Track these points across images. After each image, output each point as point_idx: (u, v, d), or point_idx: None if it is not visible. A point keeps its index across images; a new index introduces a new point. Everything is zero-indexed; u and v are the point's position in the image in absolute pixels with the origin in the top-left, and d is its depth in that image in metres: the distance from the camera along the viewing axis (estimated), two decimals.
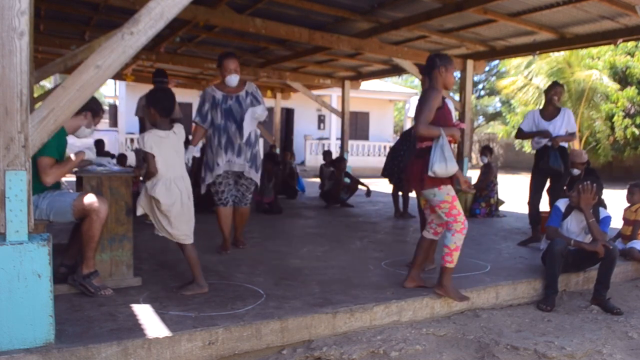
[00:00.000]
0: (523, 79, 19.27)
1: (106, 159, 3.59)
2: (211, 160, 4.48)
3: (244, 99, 4.52)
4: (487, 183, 7.65)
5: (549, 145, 5.18)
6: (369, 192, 8.32)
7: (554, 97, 5.33)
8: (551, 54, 17.77)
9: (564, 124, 5.21)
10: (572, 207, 4.12)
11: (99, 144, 9.43)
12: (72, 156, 3.26)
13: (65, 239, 3.90)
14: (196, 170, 7.23)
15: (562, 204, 4.20)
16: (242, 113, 4.45)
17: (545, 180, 5.39)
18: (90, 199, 3.09)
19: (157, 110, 3.27)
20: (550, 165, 5.12)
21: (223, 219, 4.60)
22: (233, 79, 4.49)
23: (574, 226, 4.10)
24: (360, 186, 8.57)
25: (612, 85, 16.88)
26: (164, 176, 3.22)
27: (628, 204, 5.06)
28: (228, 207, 4.59)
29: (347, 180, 8.81)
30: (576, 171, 5.29)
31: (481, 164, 7.90)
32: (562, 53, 17.60)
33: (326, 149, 16.42)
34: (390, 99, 22.98)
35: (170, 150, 3.26)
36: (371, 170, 17.67)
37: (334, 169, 8.70)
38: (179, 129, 3.35)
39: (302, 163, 18.90)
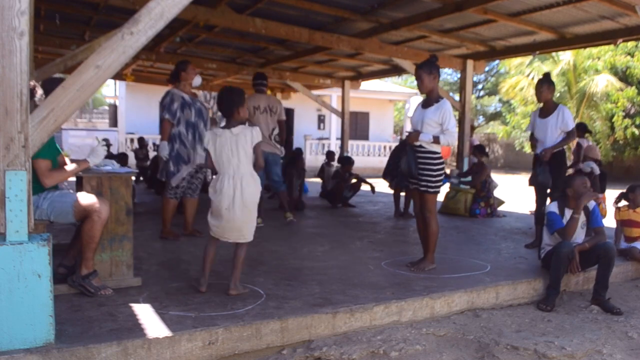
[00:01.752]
0: (525, 79, 19.26)
1: (111, 161, 3.58)
2: (185, 155, 4.97)
3: (201, 102, 5.24)
4: (482, 183, 7.61)
5: (539, 154, 5.03)
6: (373, 190, 8.34)
7: (542, 93, 5.09)
8: (554, 55, 17.82)
9: (558, 122, 4.98)
10: (563, 207, 4.13)
11: (123, 157, 9.37)
12: (72, 166, 3.23)
13: (65, 239, 3.90)
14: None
15: (553, 207, 4.19)
16: (206, 114, 5.17)
17: (544, 190, 5.15)
18: (91, 200, 3.09)
19: (218, 109, 3.44)
20: (540, 181, 4.97)
21: (172, 211, 5.14)
22: (197, 80, 5.15)
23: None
24: (363, 185, 8.57)
25: (618, 85, 16.87)
26: (219, 172, 3.33)
27: (626, 204, 5.05)
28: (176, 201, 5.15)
29: (353, 180, 8.84)
30: (587, 166, 5.31)
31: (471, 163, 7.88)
32: (567, 56, 17.62)
33: (326, 149, 16.41)
34: (390, 99, 22.97)
35: (223, 148, 3.29)
36: (371, 170, 17.67)
37: (341, 168, 8.69)
38: (240, 130, 3.30)
39: None
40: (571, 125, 4.98)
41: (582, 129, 7.56)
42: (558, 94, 18.48)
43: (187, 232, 5.31)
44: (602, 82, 16.93)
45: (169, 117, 4.91)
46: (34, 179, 2.65)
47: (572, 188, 4.08)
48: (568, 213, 4.09)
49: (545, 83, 5.12)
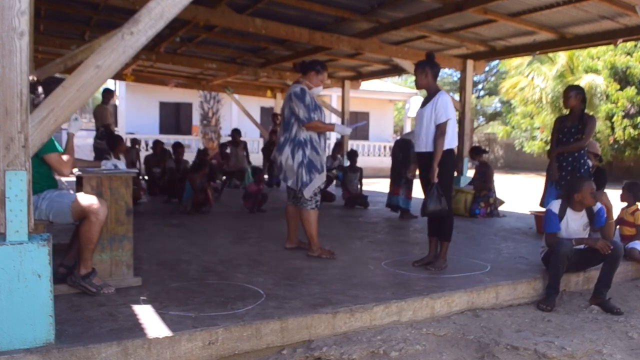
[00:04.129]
0: (525, 79, 19.26)
1: (115, 161, 3.60)
2: (319, 162, 4.42)
3: None
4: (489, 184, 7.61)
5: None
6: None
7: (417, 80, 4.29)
8: (551, 55, 17.81)
9: (432, 113, 4.05)
10: (565, 206, 4.08)
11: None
12: (69, 149, 3.30)
13: (65, 239, 3.90)
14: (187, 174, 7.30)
15: (555, 206, 4.11)
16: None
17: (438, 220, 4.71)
18: (88, 200, 3.08)
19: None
20: (430, 211, 4.11)
21: (317, 222, 4.53)
22: (320, 89, 4.58)
23: (574, 225, 4.08)
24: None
25: (611, 85, 16.89)
26: None
27: (625, 204, 5.06)
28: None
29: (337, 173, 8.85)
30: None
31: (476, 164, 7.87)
32: (563, 56, 17.63)
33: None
34: (390, 99, 23.00)
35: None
36: (372, 170, 17.67)
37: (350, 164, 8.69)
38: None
39: None
40: (444, 116, 3.96)
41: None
42: (557, 94, 18.50)
43: (294, 245, 4.83)
44: (597, 82, 16.93)
45: (315, 116, 4.35)
46: (34, 178, 2.65)
47: (580, 193, 3.97)
48: (570, 214, 4.07)
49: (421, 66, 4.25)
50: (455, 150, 4.28)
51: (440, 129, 4.00)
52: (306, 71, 4.51)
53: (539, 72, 18.72)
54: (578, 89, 5.20)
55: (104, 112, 9.13)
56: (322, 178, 4.45)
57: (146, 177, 9.75)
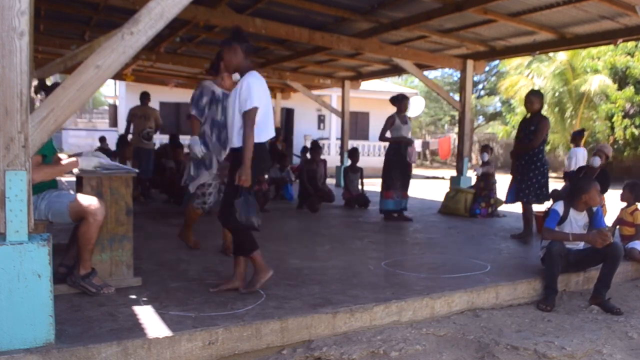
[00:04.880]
0: (525, 79, 19.27)
1: (100, 154, 3.48)
2: (208, 158, 4.32)
3: None
4: (486, 181, 7.62)
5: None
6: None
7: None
8: (551, 55, 17.81)
9: (238, 98, 3.30)
10: (569, 207, 4.09)
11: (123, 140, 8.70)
12: (66, 160, 3.23)
13: (65, 239, 3.89)
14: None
15: (559, 206, 4.13)
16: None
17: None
18: (87, 201, 3.07)
19: None
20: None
21: (194, 221, 4.58)
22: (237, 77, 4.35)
23: (575, 227, 4.08)
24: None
25: (612, 86, 16.91)
26: None
27: (624, 204, 5.06)
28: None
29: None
30: (595, 161, 5.57)
31: (481, 162, 7.87)
32: (564, 56, 17.64)
33: (326, 149, 16.34)
34: None
35: None
36: (371, 170, 17.61)
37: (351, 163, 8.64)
38: None
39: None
40: (248, 102, 3.22)
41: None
42: (557, 94, 18.49)
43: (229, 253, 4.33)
44: (595, 82, 16.95)
45: (196, 112, 4.33)
46: None
47: (588, 194, 3.96)
48: (572, 214, 4.07)
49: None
50: (267, 146, 3.54)
51: (248, 118, 3.21)
52: (216, 69, 4.46)
53: (539, 72, 18.72)
54: (539, 94, 5.62)
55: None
56: (209, 175, 4.31)
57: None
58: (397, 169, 6.77)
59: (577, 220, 4.08)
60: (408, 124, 6.85)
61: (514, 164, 5.69)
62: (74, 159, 3.23)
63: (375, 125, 22.01)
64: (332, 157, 18.06)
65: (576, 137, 8.33)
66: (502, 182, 7.73)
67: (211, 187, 4.39)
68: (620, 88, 17.04)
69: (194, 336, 2.63)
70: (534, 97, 5.49)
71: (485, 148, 7.99)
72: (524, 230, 5.67)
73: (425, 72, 9.64)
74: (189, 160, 4.44)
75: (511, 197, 5.67)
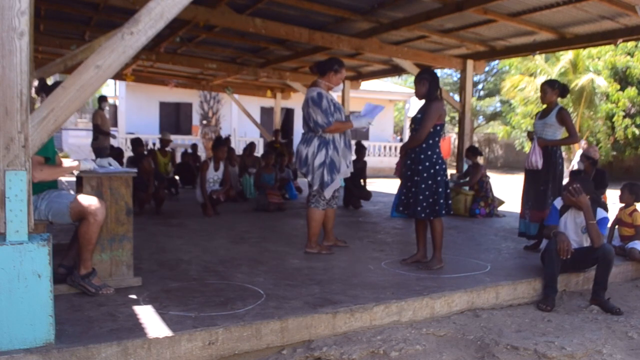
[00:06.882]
0: (528, 79, 19.26)
1: (107, 159, 3.58)
2: (338, 162, 4.45)
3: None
4: (479, 183, 7.62)
5: None
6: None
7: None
8: (554, 55, 17.81)
9: None
10: (567, 205, 4.12)
11: (118, 152, 8.63)
12: (68, 162, 3.24)
13: (65, 239, 3.90)
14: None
15: (558, 203, 4.20)
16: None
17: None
18: (87, 201, 3.07)
19: None
20: None
21: (321, 221, 4.67)
22: (340, 87, 4.63)
23: (570, 224, 4.12)
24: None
25: (611, 85, 16.91)
26: None
27: (622, 204, 5.06)
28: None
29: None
30: (580, 164, 5.38)
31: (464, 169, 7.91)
32: (569, 55, 17.64)
33: None
34: (390, 99, 22.98)
35: None
36: (372, 170, 17.62)
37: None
38: None
39: None
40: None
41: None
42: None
43: (331, 243, 4.91)
44: (596, 82, 16.96)
45: (333, 118, 4.37)
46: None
47: (577, 199, 3.94)
48: (571, 212, 4.10)
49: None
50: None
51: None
52: (324, 72, 4.49)
53: (543, 70, 18.70)
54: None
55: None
56: (341, 177, 4.55)
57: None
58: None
59: (574, 220, 4.11)
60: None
61: (401, 160, 4.77)
62: (76, 163, 3.25)
63: (376, 125, 22.02)
64: None
65: None
66: (502, 182, 7.72)
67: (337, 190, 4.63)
68: (622, 88, 17.04)
69: (194, 336, 2.63)
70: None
71: (467, 152, 7.95)
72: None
73: None
74: (320, 167, 4.42)
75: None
